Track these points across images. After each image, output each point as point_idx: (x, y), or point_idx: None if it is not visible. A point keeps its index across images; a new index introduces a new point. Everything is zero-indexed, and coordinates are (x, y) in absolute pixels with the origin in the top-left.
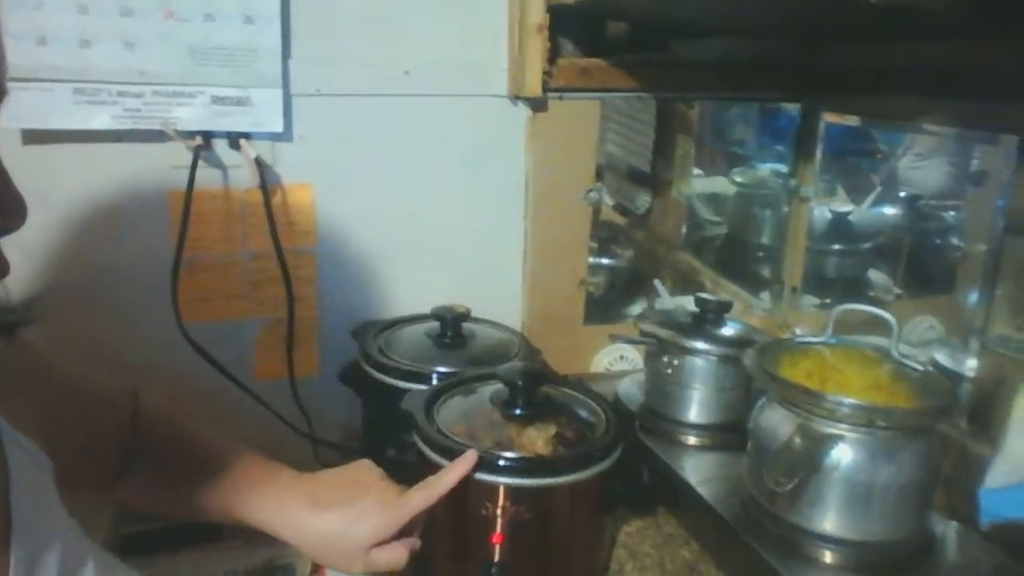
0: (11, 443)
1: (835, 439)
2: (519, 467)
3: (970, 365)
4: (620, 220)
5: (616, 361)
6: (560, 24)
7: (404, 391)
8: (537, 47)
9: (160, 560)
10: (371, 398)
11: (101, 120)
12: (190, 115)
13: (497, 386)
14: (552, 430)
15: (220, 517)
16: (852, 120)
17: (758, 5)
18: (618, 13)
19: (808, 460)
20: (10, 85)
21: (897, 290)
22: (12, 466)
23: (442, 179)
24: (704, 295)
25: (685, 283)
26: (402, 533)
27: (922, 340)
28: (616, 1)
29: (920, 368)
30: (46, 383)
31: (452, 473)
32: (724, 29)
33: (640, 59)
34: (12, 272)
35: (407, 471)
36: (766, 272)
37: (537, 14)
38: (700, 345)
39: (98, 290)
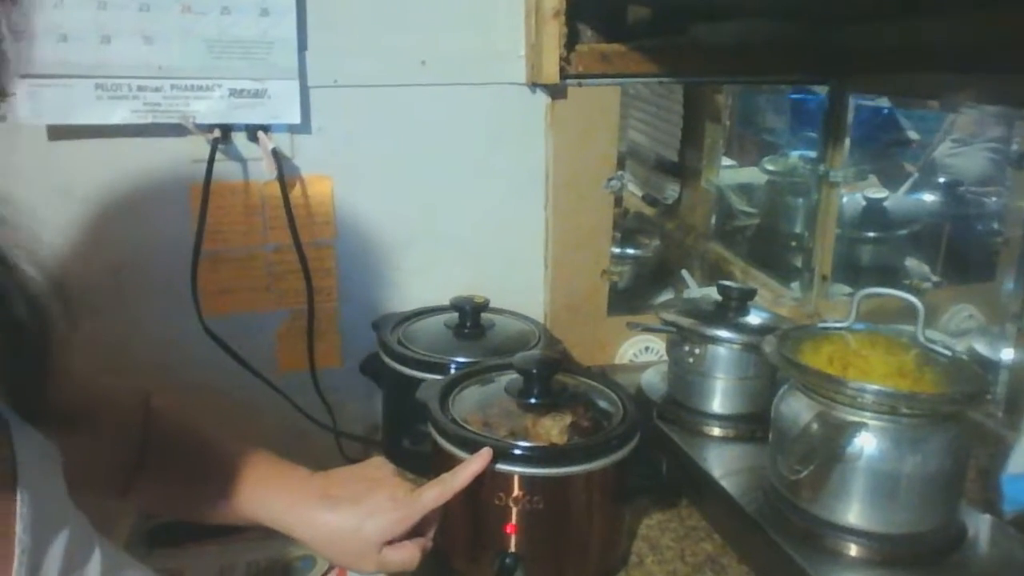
0: (19, 433)
1: (857, 427)
2: (532, 456)
3: (1008, 353)
4: (648, 211)
5: (641, 352)
6: (579, 10)
7: (422, 382)
8: (554, 33)
9: (185, 551)
10: (391, 389)
11: (121, 114)
12: (208, 108)
13: (513, 375)
14: (568, 419)
15: (233, 517)
16: (882, 101)
17: None
18: None
19: (827, 447)
20: (33, 82)
21: (935, 278)
22: (19, 456)
23: (461, 168)
24: (727, 282)
25: (714, 273)
26: (415, 531)
27: (961, 329)
28: None
29: (948, 353)
30: (60, 384)
31: (466, 470)
32: (745, 10)
33: (660, 43)
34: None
35: (422, 461)
36: (797, 261)
37: None
38: (722, 333)
39: (120, 283)
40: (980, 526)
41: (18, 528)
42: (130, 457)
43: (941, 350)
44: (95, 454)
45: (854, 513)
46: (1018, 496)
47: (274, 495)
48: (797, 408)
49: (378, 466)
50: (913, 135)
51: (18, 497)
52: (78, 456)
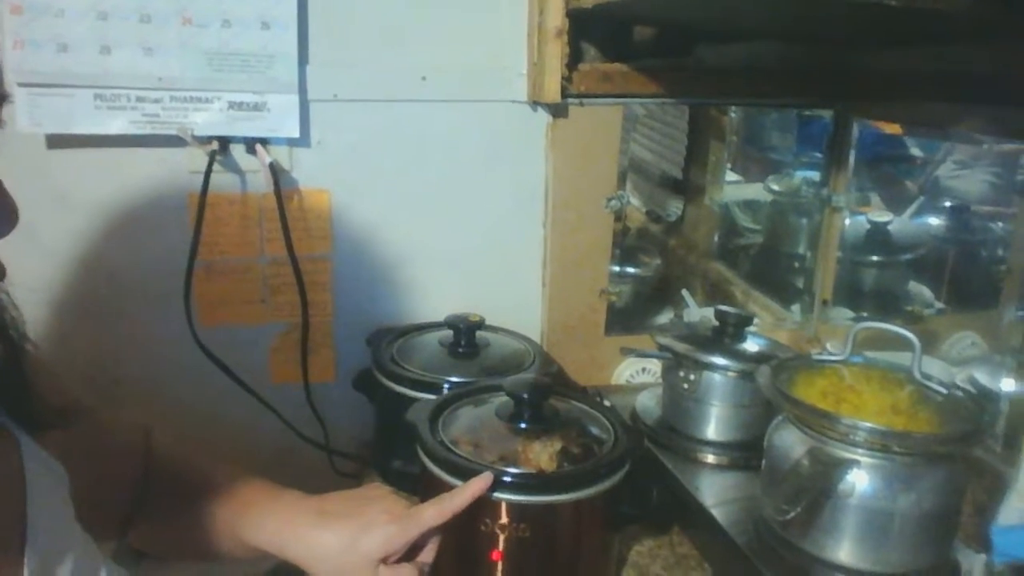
0: (30, 456)
1: (849, 464)
2: (519, 483)
3: (1008, 384)
4: (654, 227)
5: (638, 373)
6: (583, 29)
7: (415, 400)
8: (556, 52)
9: (175, 562)
10: (383, 407)
11: (120, 125)
12: (207, 120)
13: (505, 398)
14: (558, 445)
15: (230, 546)
16: (888, 127)
17: (774, 6)
18: (636, 17)
19: (816, 485)
20: (32, 90)
21: (939, 304)
22: (30, 479)
23: (460, 185)
24: (724, 308)
25: (715, 293)
26: (412, 553)
27: (963, 357)
28: (633, 5)
29: (944, 391)
30: (69, 423)
31: (466, 492)
32: (751, 33)
33: (663, 64)
34: (35, 274)
35: (413, 482)
36: (799, 283)
37: (556, 18)
38: (717, 360)
39: (115, 292)
40: (974, 565)
41: (27, 554)
42: (131, 493)
43: (937, 387)
44: (98, 490)
45: (845, 551)
46: (1008, 549)
47: (268, 515)
48: (790, 441)
49: (374, 487)
50: (917, 151)
51: (28, 523)
52: (82, 493)
